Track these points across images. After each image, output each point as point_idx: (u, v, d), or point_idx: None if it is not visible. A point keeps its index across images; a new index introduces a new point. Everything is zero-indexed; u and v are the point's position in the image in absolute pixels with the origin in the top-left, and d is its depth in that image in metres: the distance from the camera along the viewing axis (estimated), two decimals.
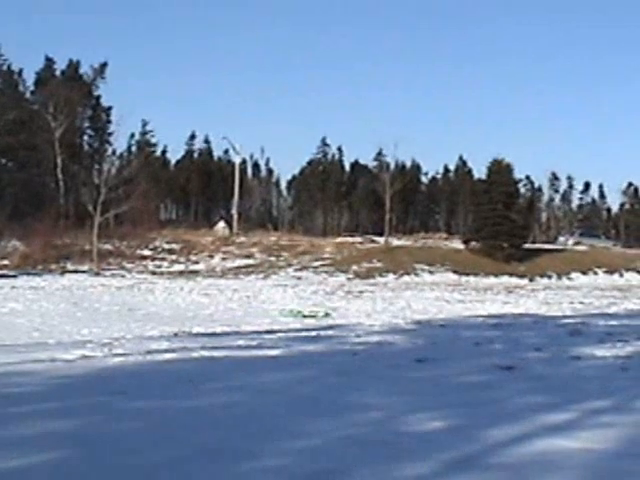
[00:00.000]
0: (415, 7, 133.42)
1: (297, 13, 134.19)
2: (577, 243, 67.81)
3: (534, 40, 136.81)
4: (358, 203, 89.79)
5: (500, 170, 57.28)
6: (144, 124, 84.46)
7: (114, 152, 71.27)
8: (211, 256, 55.30)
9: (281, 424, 7.16)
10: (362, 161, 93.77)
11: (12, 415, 7.27)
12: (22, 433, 6.53)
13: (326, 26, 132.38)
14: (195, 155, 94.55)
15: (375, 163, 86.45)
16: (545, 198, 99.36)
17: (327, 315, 19.56)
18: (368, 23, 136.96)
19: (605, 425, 7.35)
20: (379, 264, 51.39)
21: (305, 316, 19.07)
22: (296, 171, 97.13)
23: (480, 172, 67.00)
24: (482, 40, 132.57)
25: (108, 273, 45.06)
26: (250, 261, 53.88)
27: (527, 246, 56.57)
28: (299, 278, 46.19)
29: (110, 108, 73.66)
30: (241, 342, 13.53)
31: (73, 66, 74.73)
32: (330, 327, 16.86)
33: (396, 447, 6.34)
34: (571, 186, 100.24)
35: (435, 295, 31.78)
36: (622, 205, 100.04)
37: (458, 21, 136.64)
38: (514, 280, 48.88)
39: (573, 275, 51.88)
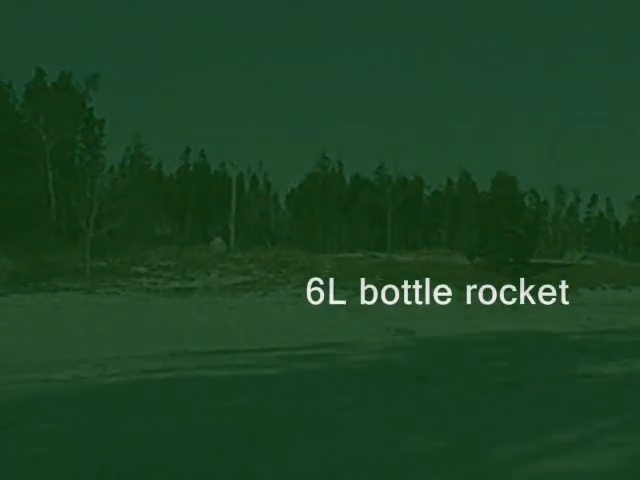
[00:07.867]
0: (413, 20, 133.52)
1: (298, 27, 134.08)
2: (584, 258, 67.19)
3: (541, 50, 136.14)
4: (359, 218, 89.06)
5: (504, 183, 56.94)
6: (138, 137, 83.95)
7: (105, 166, 69.91)
8: (208, 273, 54.51)
9: (276, 445, 6.90)
10: (363, 174, 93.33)
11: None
12: (9, 455, 6.34)
13: (327, 38, 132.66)
14: (191, 169, 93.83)
15: (376, 176, 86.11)
16: (551, 212, 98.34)
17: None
18: (368, 35, 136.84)
19: (615, 444, 7.11)
20: (381, 280, 50.97)
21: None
22: (295, 185, 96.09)
23: (484, 185, 66.42)
24: (485, 51, 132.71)
25: (102, 291, 44.21)
26: (248, 278, 53.23)
27: (533, 261, 56.05)
28: (299, 295, 45.72)
29: (103, 121, 72.22)
30: (239, 361, 13.26)
31: (64, 77, 72.06)
32: (330, 345, 16.59)
33: (396, 468, 6.10)
34: (578, 199, 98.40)
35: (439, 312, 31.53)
36: (630, 219, 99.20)
37: (460, 32, 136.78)
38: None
39: (581, 291, 51.34)
